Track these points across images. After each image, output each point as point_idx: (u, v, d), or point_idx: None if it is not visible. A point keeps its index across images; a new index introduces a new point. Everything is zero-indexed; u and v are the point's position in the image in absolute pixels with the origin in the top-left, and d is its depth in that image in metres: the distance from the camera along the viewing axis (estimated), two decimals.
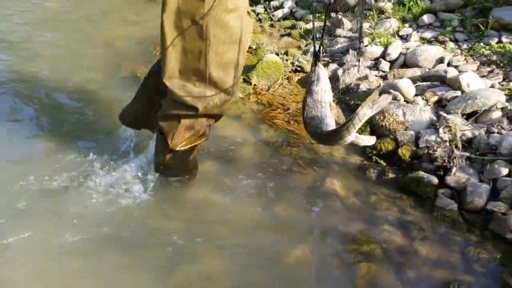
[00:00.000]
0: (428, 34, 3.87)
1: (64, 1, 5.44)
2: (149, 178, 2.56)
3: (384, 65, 3.66)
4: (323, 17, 4.30)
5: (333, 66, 3.82)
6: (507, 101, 2.93)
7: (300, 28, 4.50)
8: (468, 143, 2.75)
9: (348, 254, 2.24)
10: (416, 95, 3.24)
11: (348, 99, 3.32)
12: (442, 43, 3.74)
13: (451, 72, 3.27)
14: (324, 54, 2.12)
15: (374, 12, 4.32)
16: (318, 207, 2.53)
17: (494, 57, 3.40)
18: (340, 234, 2.37)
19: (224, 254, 2.23)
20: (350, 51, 3.81)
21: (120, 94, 3.46)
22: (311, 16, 4.64)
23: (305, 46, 4.23)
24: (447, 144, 2.71)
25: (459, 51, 3.61)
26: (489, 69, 3.34)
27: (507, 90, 3.05)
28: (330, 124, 1.98)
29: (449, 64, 3.45)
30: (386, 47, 3.77)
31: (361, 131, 2.28)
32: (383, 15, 4.27)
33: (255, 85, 3.65)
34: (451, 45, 3.69)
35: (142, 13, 5.01)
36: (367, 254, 2.23)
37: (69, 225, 2.29)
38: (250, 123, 3.23)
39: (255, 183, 2.67)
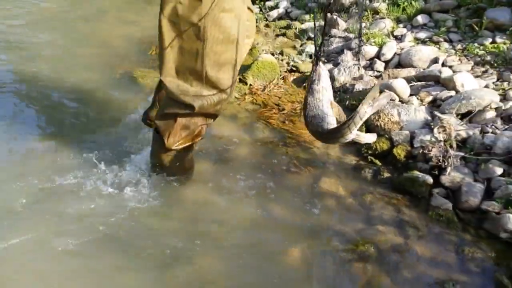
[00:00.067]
0: (422, 35, 3.89)
1: (62, 0, 5.42)
2: (146, 179, 2.55)
3: (379, 65, 3.67)
4: (322, 16, 4.31)
5: (328, 66, 3.83)
6: (501, 101, 2.95)
7: (295, 28, 4.51)
8: (462, 143, 2.77)
9: (344, 253, 2.25)
10: (411, 95, 3.25)
11: (344, 98, 3.33)
12: (436, 43, 3.76)
13: (446, 72, 3.29)
14: (323, 53, 2.14)
15: (369, 12, 4.34)
16: (314, 206, 2.53)
17: (488, 57, 3.42)
18: (336, 234, 2.38)
19: (222, 254, 2.23)
20: (346, 51, 3.82)
21: (116, 94, 3.47)
22: (306, 16, 4.65)
23: (300, 46, 4.24)
24: (442, 144, 2.72)
25: (453, 51, 3.63)
26: (483, 69, 3.36)
27: (501, 90, 3.07)
28: (331, 122, 2.00)
29: (443, 64, 3.47)
30: (380, 47, 3.78)
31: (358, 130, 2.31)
32: (378, 16, 4.29)
33: (250, 85, 3.66)
34: (445, 45, 3.71)
35: (139, 13, 5.01)
36: (362, 253, 2.24)
37: (67, 225, 2.29)
38: (246, 123, 3.24)
39: (252, 183, 2.67)
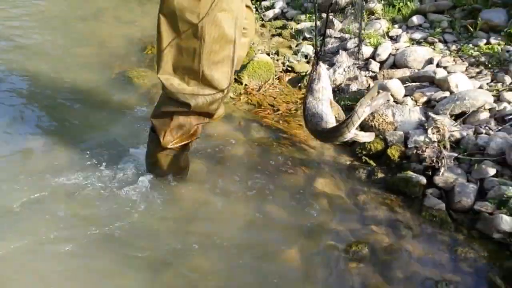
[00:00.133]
0: (417, 35, 3.90)
1: (60, 0, 5.40)
2: (143, 178, 2.56)
3: (374, 66, 3.68)
4: (318, 17, 4.31)
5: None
6: (495, 102, 2.97)
7: (291, 29, 4.51)
8: (456, 144, 2.78)
9: (338, 253, 2.26)
10: (405, 95, 3.26)
11: (340, 98, 3.33)
12: (431, 44, 3.77)
13: (440, 73, 3.30)
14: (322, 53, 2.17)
15: (364, 13, 4.34)
16: (309, 206, 2.54)
17: (483, 58, 3.43)
18: (331, 234, 2.39)
19: (217, 253, 2.24)
20: (341, 51, 3.83)
21: (112, 94, 3.47)
22: (302, 17, 4.65)
23: (296, 46, 4.24)
24: (436, 144, 2.73)
25: (448, 52, 3.64)
26: (477, 70, 3.37)
27: (495, 91, 3.08)
28: (330, 121, 2.03)
29: (438, 65, 3.48)
30: (376, 47, 3.79)
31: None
32: (373, 16, 4.29)
33: (246, 85, 3.66)
34: (440, 46, 3.72)
35: (137, 13, 5.00)
36: (356, 253, 2.24)
37: (66, 225, 2.29)
38: (241, 122, 3.24)
39: (247, 183, 2.68)
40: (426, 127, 2.86)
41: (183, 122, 2.32)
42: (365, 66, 3.73)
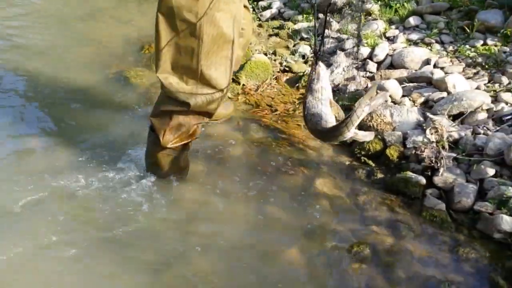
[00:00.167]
0: (414, 36, 3.91)
1: (58, 0, 5.37)
2: (142, 179, 2.55)
3: (371, 66, 3.68)
4: (319, 17, 4.31)
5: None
6: (492, 102, 2.98)
7: (288, 29, 4.51)
8: (454, 144, 2.79)
9: (339, 253, 2.26)
10: (403, 96, 3.27)
11: (338, 98, 3.33)
12: (428, 45, 3.78)
13: (437, 74, 3.31)
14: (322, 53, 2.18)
15: (362, 13, 4.35)
16: (308, 207, 2.54)
17: (480, 59, 3.45)
18: (331, 234, 2.39)
19: (217, 254, 2.23)
20: (338, 52, 3.83)
21: (109, 93, 3.45)
22: (299, 17, 4.65)
23: (293, 46, 4.23)
24: (434, 144, 2.74)
25: (445, 53, 3.65)
26: (474, 70, 3.39)
27: (492, 92, 3.10)
28: (330, 121, 2.03)
29: (435, 66, 3.49)
30: (373, 48, 3.79)
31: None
32: (370, 17, 4.30)
33: (243, 85, 3.65)
34: (437, 47, 3.73)
35: (133, 13, 4.97)
36: (357, 253, 2.25)
37: (65, 226, 2.28)
38: (239, 122, 3.23)
39: (247, 183, 2.67)
40: (424, 127, 2.87)
41: (182, 122, 2.31)
42: (363, 67, 3.73)
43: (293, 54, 4.09)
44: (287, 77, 3.82)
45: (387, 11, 4.28)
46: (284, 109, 3.44)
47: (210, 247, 2.27)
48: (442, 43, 3.80)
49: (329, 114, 2.09)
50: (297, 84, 3.69)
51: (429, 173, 2.69)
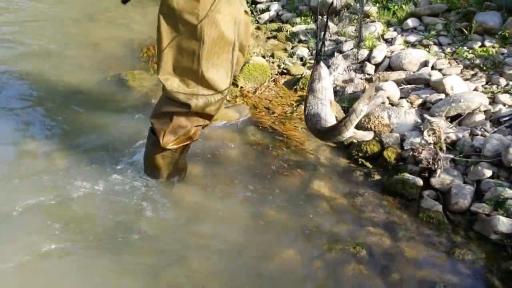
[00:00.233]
0: (412, 38, 3.91)
1: (54, 3, 5.38)
2: (140, 181, 2.56)
3: (369, 68, 3.68)
4: (316, 18, 4.32)
5: None
6: (490, 104, 2.97)
7: (286, 31, 4.51)
8: (452, 146, 2.79)
9: (336, 255, 2.25)
10: (401, 97, 3.27)
11: (339, 99, 3.34)
12: (426, 46, 3.78)
13: (435, 75, 3.31)
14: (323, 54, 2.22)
15: (362, 14, 4.35)
16: (306, 208, 2.54)
17: (477, 61, 3.45)
18: (327, 236, 2.38)
19: (216, 255, 2.24)
20: (336, 54, 3.84)
21: (107, 96, 3.46)
22: (297, 19, 4.66)
23: (291, 48, 4.24)
24: (432, 146, 2.73)
25: (443, 54, 3.65)
26: (472, 72, 3.39)
27: (490, 93, 3.10)
28: (330, 120, 2.06)
29: (433, 68, 3.49)
30: (371, 50, 3.80)
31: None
32: (368, 19, 4.30)
33: (241, 87, 3.66)
34: (435, 48, 3.73)
35: (129, 16, 4.99)
36: (353, 255, 2.24)
37: (63, 227, 2.28)
38: (237, 125, 3.23)
39: (244, 185, 2.67)
40: (422, 129, 2.87)
41: (183, 123, 2.32)
42: (361, 69, 3.73)
43: (291, 57, 4.09)
44: (285, 80, 3.82)
45: (385, 13, 4.28)
46: (282, 112, 3.44)
47: (209, 248, 2.28)
48: (440, 45, 3.80)
49: (329, 114, 2.12)
50: (295, 87, 3.69)
51: (427, 174, 2.69)
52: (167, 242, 2.29)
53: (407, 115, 3.04)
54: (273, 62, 4.04)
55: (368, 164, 2.89)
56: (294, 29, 4.51)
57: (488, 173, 2.57)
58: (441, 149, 2.71)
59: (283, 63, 4.01)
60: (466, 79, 3.29)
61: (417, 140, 2.81)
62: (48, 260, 2.12)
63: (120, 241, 2.25)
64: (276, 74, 3.89)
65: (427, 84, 3.33)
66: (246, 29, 2.58)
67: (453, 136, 2.81)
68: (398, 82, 3.38)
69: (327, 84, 2.16)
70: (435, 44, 3.80)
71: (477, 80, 3.27)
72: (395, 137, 2.93)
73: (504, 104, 2.98)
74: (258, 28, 4.73)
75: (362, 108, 1.91)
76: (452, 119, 2.93)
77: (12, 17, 4.84)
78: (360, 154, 2.94)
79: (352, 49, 3.84)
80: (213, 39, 2.10)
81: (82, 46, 4.30)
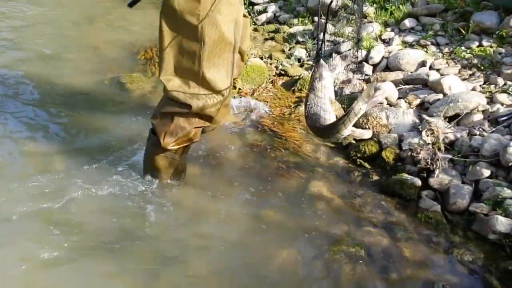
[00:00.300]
0: (410, 38, 3.91)
1: (52, 5, 5.39)
2: (139, 182, 2.56)
3: (367, 69, 3.69)
4: (313, 20, 4.32)
5: None
6: (488, 103, 2.97)
7: (284, 32, 4.52)
8: (450, 146, 2.79)
9: (334, 255, 2.25)
10: (399, 98, 3.27)
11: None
12: (424, 46, 3.78)
13: (433, 75, 3.31)
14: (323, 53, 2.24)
15: (357, 16, 4.35)
16: (305, 209, 2.54)
17: (475, 61, 3.45)
18: (326, 236, 2.38)
19: (216, 256, 2.24)
20: (334, 55, 3.84)
21: (105, 99, 3.46)
22: (295, 20, 4.66)
23: (289, 50, 4.24)
24: (430, 146, 2.74)
25: (440, 54, 3.66)
26: (470, 72, 3.39)
27: (488, 93, 3.09)
28: (329, 118, 2.06)
29: (431, 68, 3.49)
30: (369, 50, 3.80)
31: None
32: (366, 20, 4.31)
33: (239, 89, 3.66)
34: (433, 48, 3.74)
35: (128, 19, 5.00)
36: (352, 255, 2.24)
37: (61, 229, 2.28)
38: (235, 126, 3.23)
39: (243, 186, 2.68)
40: (420, 129, 2.87)
41: (183, 124, 2.33)
42: (358, 69, 3.73)
43: (289, 58, 4.10)
44: (283, 81, 3.82)
45: (383, 14, 4.29)
46: (280, 113, 3.44)
47: (209, 249, 2.28)
48: (437, 45, 3.80)
49: (329, 112, 2.13)
50: (293, 88, 3.69)
51: (425, 174, 2.69)
52: (167, 242, 2.29)
53: (405, 115, 3.04)
54: (270, 64, 4.04)
55: (366, 164, 2.89)
56: (292, 30, 4.51)
57: (486, 173, 2.57)
58: (439, 149, 2.71)
59: (281, 64, 4.01)
60: (464, 79, 3.29)
61: (415, 140, 2.81)
62: (48, 262, 2.12)
63: (120, 242, 2.26)
64: (274, 76, 3.89)
65: (425, 84, 3.33)
66: (245, 31, 2.59)
67: (451, 136, 2.81)
68: (396, 83, 3.38)
69: (327, 83, 2.17)
70: (432, 44, 3.80)
71: (475, 80, 3.27)
72: (393, 137, 2.93)
73: (502, 104, 2.98)
74: (255, 30, 4.74)
75: (361, 106, 1.92)
76: (450, 119, 2.94)
77: (12, 21, 4.84)
78: (359, 155, 2.94)
79: (349, 50, 3.84)
80: (213, 40, 2.12)
81: (81, 49, 4.31)
